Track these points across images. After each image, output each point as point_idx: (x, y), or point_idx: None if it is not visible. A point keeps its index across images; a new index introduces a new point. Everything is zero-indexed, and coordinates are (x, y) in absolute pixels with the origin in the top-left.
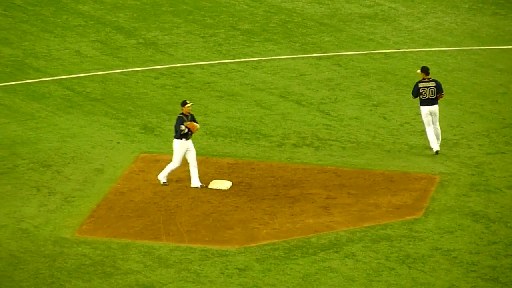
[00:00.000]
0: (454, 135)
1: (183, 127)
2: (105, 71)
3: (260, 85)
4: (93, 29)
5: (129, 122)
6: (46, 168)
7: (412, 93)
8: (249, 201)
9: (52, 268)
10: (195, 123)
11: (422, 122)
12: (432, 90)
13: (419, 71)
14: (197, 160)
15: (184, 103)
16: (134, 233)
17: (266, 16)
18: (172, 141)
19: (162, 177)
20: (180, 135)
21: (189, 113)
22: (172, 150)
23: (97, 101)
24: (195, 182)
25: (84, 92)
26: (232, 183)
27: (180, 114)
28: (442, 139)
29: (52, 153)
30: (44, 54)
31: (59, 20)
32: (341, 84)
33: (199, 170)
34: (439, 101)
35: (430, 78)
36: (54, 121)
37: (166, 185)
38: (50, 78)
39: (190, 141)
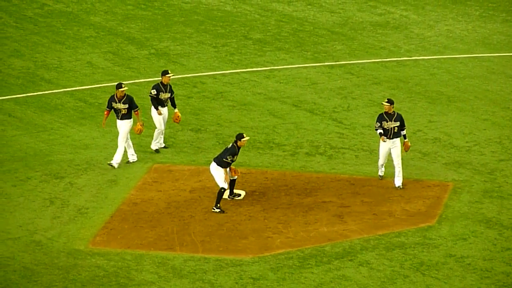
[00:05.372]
0: (467, 142)
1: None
2: (117, 82)
3: (272, 94)
4: (105, 40)
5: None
6: (59, 180)
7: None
8: (263, 210)
9: (66, 280)
10: None
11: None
12: None
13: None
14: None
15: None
16: (148, 244)
17: (278, 25)
18: None
19: None
20: None
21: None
22: None
23: None
24: (397, 181)
25: (96, 103)
26: (246, 193)
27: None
28: (455, 146)
29: (65, 165)
30: (55, 65)
31: (70, 32)
32: (353, 92)
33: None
34: None
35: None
36: (67, 132)
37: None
38: (62, 90)
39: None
